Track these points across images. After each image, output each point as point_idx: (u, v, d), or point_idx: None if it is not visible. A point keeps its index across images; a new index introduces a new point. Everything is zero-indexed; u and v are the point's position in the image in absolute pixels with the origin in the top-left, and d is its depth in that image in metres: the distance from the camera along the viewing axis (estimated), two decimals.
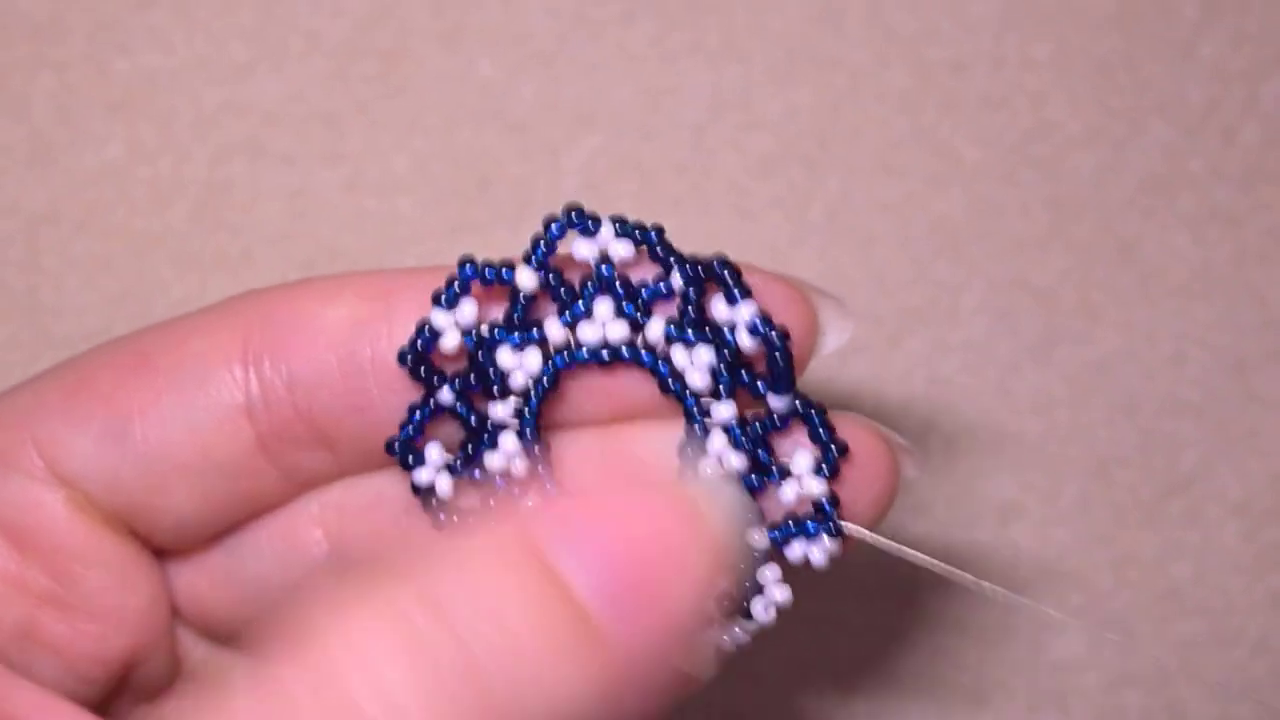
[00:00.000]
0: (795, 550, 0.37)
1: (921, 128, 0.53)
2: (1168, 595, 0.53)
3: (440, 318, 0.37)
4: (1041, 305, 0.53)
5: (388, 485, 0.39)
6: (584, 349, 0.36)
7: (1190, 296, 0.53)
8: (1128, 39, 0.53)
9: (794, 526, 0.37)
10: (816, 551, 0.37)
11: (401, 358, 0.37)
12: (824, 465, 0.36)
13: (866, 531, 0.37)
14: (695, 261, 0.36)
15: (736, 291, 0.36)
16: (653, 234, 0.36)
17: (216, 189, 0.52)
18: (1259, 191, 0.53)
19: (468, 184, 0.53)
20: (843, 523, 0.37)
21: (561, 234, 0.37)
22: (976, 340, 0.53)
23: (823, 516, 0.37)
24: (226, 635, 0.41)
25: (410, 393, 0.37)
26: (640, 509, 0.30)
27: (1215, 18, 0.53)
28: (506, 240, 0.52)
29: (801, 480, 0.36)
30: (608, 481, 0.36)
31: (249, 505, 0.39)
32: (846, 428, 0.37)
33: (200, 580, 0.41)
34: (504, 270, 0.36)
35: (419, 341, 0.36)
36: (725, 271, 0.36)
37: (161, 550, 0.40)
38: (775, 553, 0.37)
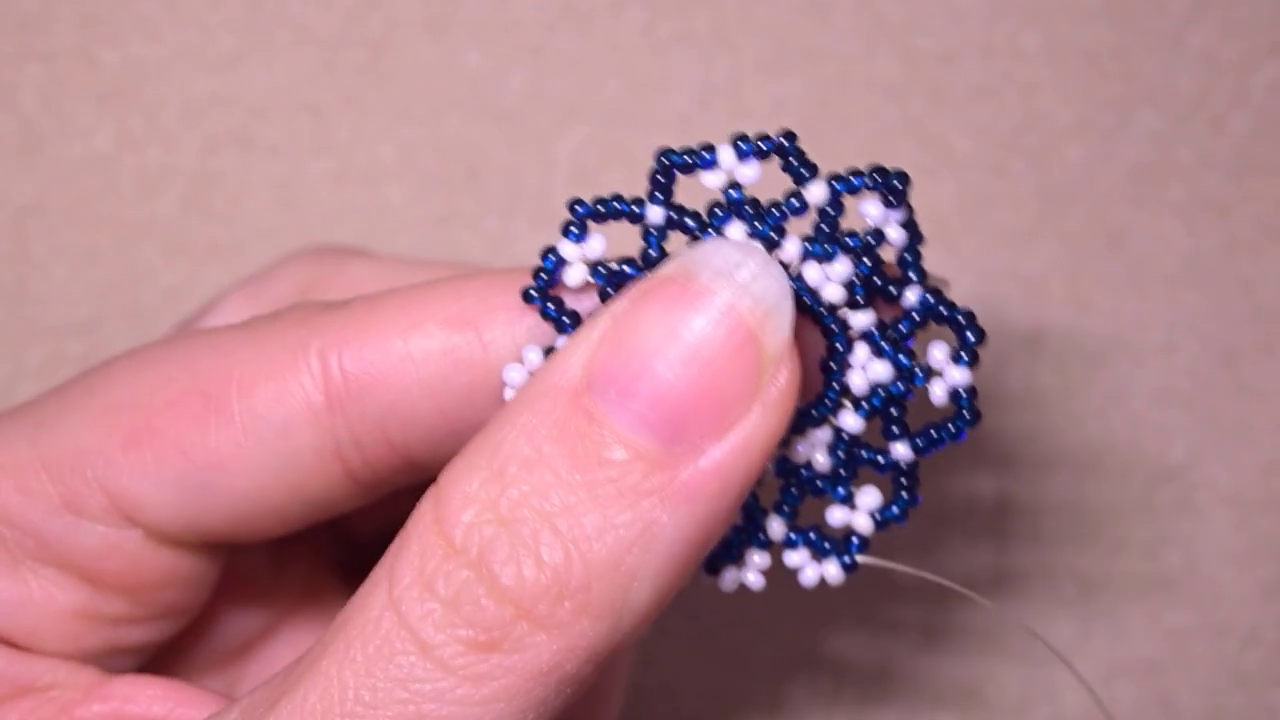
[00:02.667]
0: (808, 575, 0.36)
1: (911, 118, 0.53)
2: (1159, 585, 0.53)
3: (568, 249, 0.34)
4: (1031, 296, 0.53)
5: None
6: None
7: (1180, 286, 0.53)
8: (1117, 29, 0.53)
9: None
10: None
11: (526, 296, 0.34)
12: (962, 351, 0.34)
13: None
14: (847, 175, 0.34)
15: (893, 198, 0.34)
16: (786, 143, 0.34)
17: (205, 179, 0.52)
18: (1248, 181, 0.53)
19: (456, 174, 0.53)
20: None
21: (675, 169, 0.34)
22: None
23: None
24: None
25: None
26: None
27: (1204, 8, 0.53)
28: (495, 230, 0.52)
29: (945, 373, 0.34)
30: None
31: (329, 515, 0.39)
32: None
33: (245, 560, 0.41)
34: (633, 205, 0.34)
35: (543, 271, 0.34)
36: (885, 179, 0.34)
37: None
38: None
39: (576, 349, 0.31)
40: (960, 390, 0.34)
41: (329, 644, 0.31)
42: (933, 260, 0.53)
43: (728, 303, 0.31)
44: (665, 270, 0.31)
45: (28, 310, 0.52)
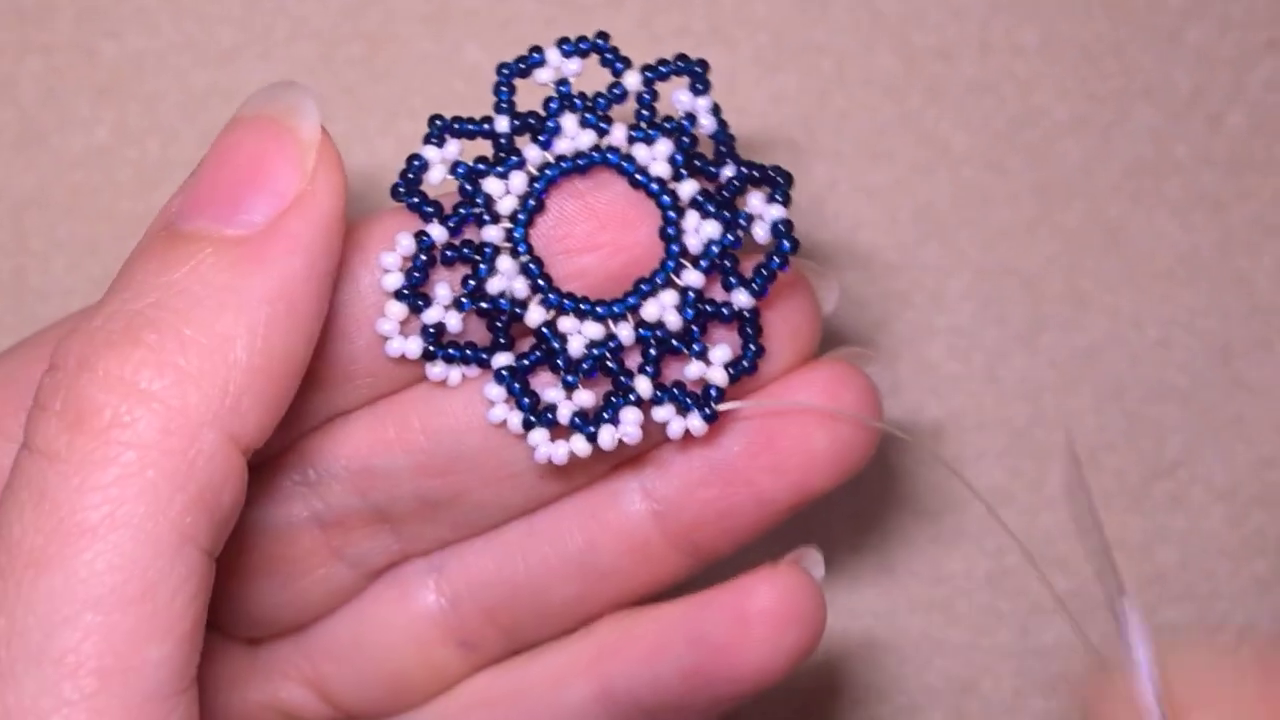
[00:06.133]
0: (674, 427, 0.40)
1: (908, 114, 0.53)
2: (1154, 580, 0.53)
3: (429, 153, 0.40)
4: (1028, 291, 0.53)
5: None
6: (561, 163, 0.39)
7: (1177, 282, 0.53)
8: (1115, 25, 0.53)
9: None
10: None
11: (394, 192, 0.40)
12: (776, 194, 0.39)
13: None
14: (655, 64, 0.40)
15: (698, 84, 0.39)
16: (600, 42, 0.40)
17: None
18: (1245, 177, 0.53)
19: None
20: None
21: (514, 76, 0.40)
22: (963, 327, 0.53)
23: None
24: None
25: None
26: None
27: (1202, 4, 0.53)
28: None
29: (764, 214, 0.39)
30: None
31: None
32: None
33: None
34: (484, 122, 0.40)
35: (409, 172, 0.40)
36: (688, 64, 0.40)
37: None
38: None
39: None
40: (778, 224, 0.39)
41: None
42: (930, 254, 0.53)
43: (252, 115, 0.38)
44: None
45: (27, 303, 0.53)
